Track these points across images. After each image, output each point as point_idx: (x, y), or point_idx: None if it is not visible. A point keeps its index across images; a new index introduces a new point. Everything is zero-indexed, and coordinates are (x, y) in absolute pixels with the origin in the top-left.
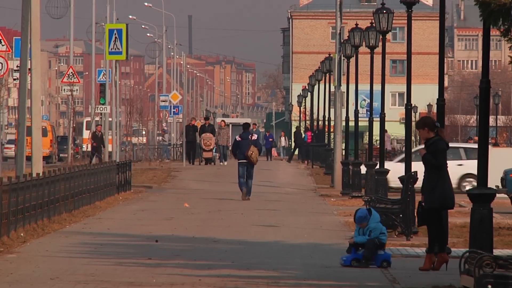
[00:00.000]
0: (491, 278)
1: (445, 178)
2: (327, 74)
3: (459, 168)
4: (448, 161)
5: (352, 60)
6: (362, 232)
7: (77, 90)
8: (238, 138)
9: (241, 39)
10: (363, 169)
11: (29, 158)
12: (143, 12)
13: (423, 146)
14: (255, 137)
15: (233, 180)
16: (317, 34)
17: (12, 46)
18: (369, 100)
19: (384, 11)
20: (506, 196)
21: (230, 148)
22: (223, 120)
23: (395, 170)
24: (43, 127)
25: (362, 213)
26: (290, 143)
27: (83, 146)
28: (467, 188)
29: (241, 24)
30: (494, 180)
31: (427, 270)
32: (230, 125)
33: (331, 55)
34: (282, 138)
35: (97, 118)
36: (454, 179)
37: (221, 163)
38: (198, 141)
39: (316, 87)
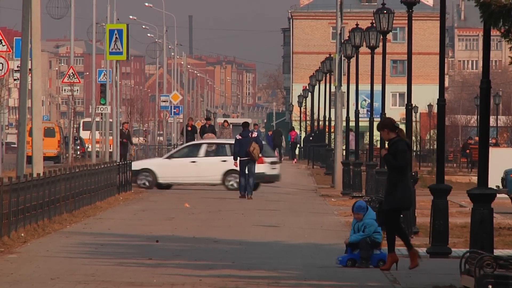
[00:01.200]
0: (491, 278)
1: (405, 179)
2: (328, 74)
3: (223, 164)
4: (213, 157)
5: (353, 60)
6: (358, 228)
7: (77, 90)
8: (238, 136)
9: (241, 39)
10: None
11: (45, 159)
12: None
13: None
14: (255, 134)
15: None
16: (318, 34)
17: (12, 46)
18: (369, 100)
19: (385, 11)
20: (506, 196)
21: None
22: (226, 120)
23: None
24: (51, 128)
25: (361, 203)
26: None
27: (89, 146)
28: (231, 183)
29: (242, 24)
30: (494, 180)
31: (388, 269)
32: (231, 125)
33: (332, 55)
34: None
35: (97, 119)
36: (218, 175)
37: None
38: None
39: (316, 87)
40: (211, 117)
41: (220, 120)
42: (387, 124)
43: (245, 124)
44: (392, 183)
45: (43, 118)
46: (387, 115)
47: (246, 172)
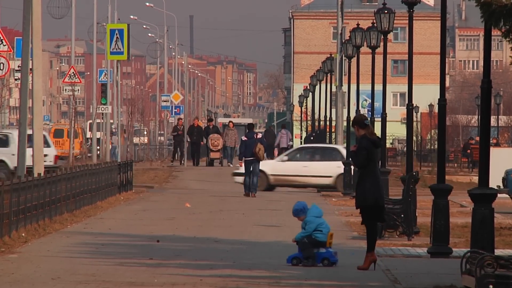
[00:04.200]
0: (492, 278)
1: (370, 177)
2: (329, 74)
3: (337, 168)
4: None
5: (354, 60)
6: (303, 226)
7: (78, 90)
8: (244, 138)
9: (242, 39)
10: None
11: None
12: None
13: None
14: (259, 136)
15: (228, 180)
16: (319, 34)
17: (13, 46)
18: (370, 100)
19: (386, 11)
20: (507, 196)
21: (237, 149)
22: (231, 121)
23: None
24: (74, 130)
25: (298, 206)
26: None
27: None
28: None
29: (243, 24)
30: (495, 180)
31: (366, 269)
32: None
33: (333, 55)
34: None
35: (98, 120)
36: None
37: (229, 165)
38: (204, 142)
39: (317, 87)
40: (213, 119)
41: (221, 120)
42: (357, 121)
43: (250, 126)
44: (358, 181)
45: (44, 118)
46: (388, 115)
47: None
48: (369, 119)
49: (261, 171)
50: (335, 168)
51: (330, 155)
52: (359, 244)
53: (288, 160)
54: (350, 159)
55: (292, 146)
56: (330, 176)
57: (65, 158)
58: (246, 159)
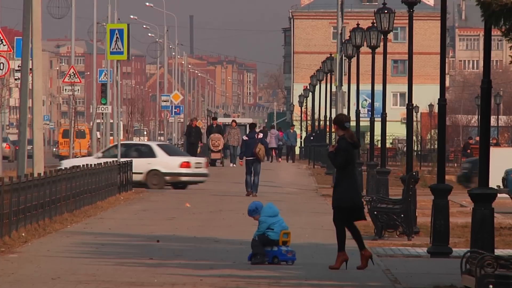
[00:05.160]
0: (492, 278)
1: (348, 178)
2: (329, 74)
3: (148, 165)
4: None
5: (354, 60)
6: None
7: (78, 90)
8: (245, 137)
9: (242, 39)
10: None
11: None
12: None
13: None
14: (260, 135)
15: (235, 180)
16: (319, 34)
17: (13, 46)
18: (370, 100)
19: (386, 11)
20: (507, 196)
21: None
22: (234, 120)
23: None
24: (82, 130)
25: (251, 206)
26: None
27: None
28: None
29: (242, 24)
30: (495, 180)
31: (338, 268)
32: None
33: (333, 55)
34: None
35: (98, 121)
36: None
37: (232, 165)
38: (206, 141)
39: (317, 87)
40: (217, 117)
41: (221, 120)
42: (338, 121)
43: (252, 126)
44: (336, 181)
45: (44, 118)
46: (388, 115)
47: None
48: (350, 121)
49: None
50: (145, 165)
51: (142, 152)
52: None
53: (103, 156)
54: (329, 159)
55: (282, 146)
56: (141, 173)
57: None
58: (247, 158)
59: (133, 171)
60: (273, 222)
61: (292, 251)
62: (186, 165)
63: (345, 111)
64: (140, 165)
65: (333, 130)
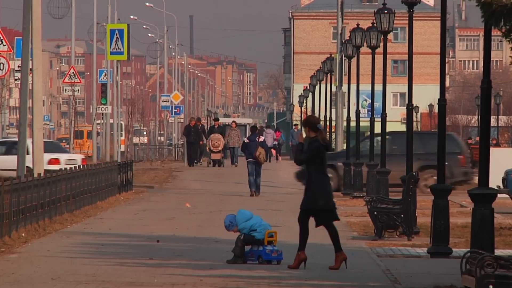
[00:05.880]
0: (492, 278)
1: (318, 180)
2: (329, 74)
3: None
4: None
5: (354, 60)
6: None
7: (78, 90)
8: (246, 140)
9: (242, 39)
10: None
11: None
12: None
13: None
14: (262, 138)
15: (235, 180)
16: (319, 34)
17: (13, 46)
18: (370, 100)
19: (386, 11)
20: (507, 196)
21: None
22: (234, 121)
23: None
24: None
25: (225, 222)
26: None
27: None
28: None
29: (243, 24)
30: (495, 180)
31: (296, 268)
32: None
33: (333, 55)
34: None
35: (98, 121)
36: None
37: (233, 165)
38: (206, 142)
39: (317, 87)
40: (219, 118)
41: (221, 120)
42: (310, 123)
43: (253, 128)
44: (308, 183)
45: (44, 118)
46: (388, 115)
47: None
48: (321, 123)
49: None
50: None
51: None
52: (359, 244)
53: None
54: (295, 154)
55: (277, 146)
56: (15, 170)
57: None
58: (249, 160)
59: (8, 168)
60: (252, 224)
61: (278, 251)
62: (55, 162)
63: (345, 111)
64: (14, 161)
65: (306, 133)
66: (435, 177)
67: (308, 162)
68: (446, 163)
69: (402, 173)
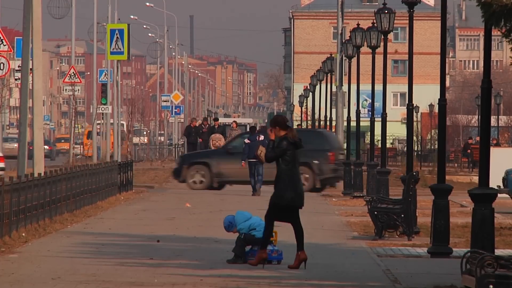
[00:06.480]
0: (492, 278)
1: (286, 176)
2: (329, 74)
3: None
4: None
5: (354, 60)
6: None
7: (78, 90)
8: (247, 141)
9: (242, 39)
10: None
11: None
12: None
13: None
14: (262, 137)
15: None
16: (319, 34)
17: (13, 46)
18: (370, 100)
19: (386, 11)
20: (507, 196)
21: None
22: (234, 121)
23: None
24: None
25: (225, 223)
26: None
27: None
28: None
29: (243, 24)
30: (495, 180)
31: (255, 265)
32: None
33: (333, 55)
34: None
35: (98, 121)
36: None
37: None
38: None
39: (317, 87)
40: (218, 118)
41: (221, 120)
42: (279, 123)
43: (253, 129)
44: (277, 179)
45: (44, 118)
46: (388, 115)
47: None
48: (290, 121)
49: None
50: None
51: None
52: (359, 244)
53: None
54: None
55: None
56: None
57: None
58: (250, 160)
59: None
60: (251, 224)
61: (278, 251)
62: None
63: (345, 111)
64: None
65: (269, 132)
66: (305, 174)
67: (277, 160)
68: (317, 161)
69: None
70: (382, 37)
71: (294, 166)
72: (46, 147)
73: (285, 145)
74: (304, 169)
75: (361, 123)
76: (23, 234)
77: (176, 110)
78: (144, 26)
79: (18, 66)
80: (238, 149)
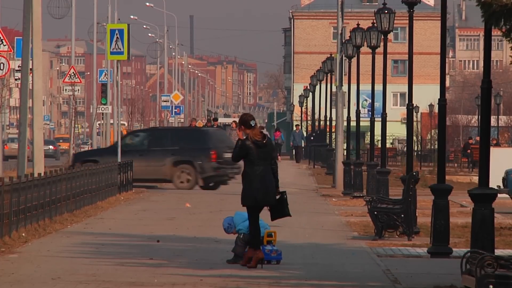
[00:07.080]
0: (492, 278)
1: (248, 177)
2: (329, 74)
3: None
4: None
5: (354, 60)
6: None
7: (78, 90)
8: None
9: (242, 39)
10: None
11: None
12: (145, 12)
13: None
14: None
15: (234, 180)
16: (319, 34)
17: (13, 46)
18: (370, 100)
19: (386, 11)
20: (507, 196)
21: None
22: (234, 121)
23: None
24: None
25: (224, 225)
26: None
27: None
28: None
29: (243, 24)
30: (495, 180)
31: (254, 267)
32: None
33: (333, 55)
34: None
35: (99, 122)
36: None
37: None
38: None
39: (317, 87)
40: (217, 118)
41: (221, 120)
42: (243, 121)
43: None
44: (242, 180)
45: (44, 118)
46: (388, 115)
47: None
48: (255, 120)
49: None
50: None
51: None
52: (359, 244)
53: None
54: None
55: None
56: None
57: None
58: None
59: None
60: (247, 226)
61: (277, 251)
62: None
63: (345, 111)
64: None
65: (238, 131)
66: (188, 172)
67: (239, 160)
68: (199, 160)
69: (158, 168)
70: (382, 37)
71: (258, 165)
72: (51, 147)
73: (242, 145)
74: (187, 167)
75: (361, 123)
76: (23, 234)
77: (176, 110)
78: (144, 26)
79: (18, 66)
80: (129, 147)
